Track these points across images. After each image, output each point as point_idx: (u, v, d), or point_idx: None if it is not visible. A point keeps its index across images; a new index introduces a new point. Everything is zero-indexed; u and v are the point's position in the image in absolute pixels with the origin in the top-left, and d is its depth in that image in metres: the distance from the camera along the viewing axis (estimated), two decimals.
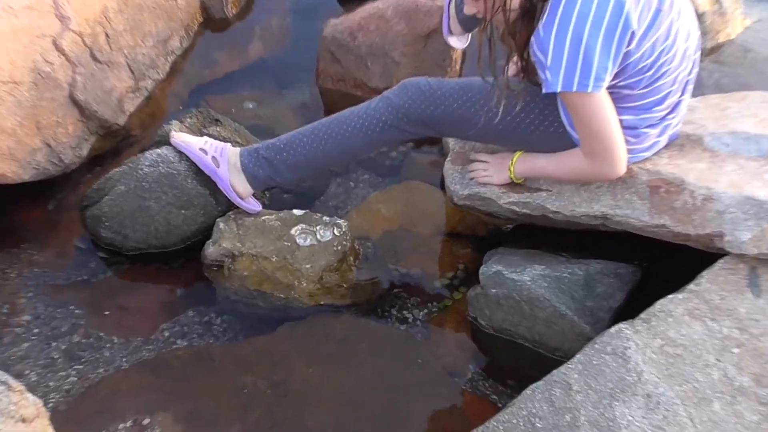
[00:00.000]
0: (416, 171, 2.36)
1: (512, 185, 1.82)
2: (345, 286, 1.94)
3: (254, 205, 2.00)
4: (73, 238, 2.04)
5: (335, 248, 1.93)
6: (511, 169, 1.76)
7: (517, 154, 1.76)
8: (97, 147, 2.22)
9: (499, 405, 1.72)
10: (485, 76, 1.65)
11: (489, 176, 1.82)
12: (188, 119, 2.13)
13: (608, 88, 1.46)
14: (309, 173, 2.02)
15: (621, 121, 1.53)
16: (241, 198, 1.96)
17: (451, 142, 2.04)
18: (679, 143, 1.69)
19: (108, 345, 1.81)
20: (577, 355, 1.47)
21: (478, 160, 1.87)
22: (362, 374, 1.77)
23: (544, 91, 1.45)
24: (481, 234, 2.14)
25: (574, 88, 1.41)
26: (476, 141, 1.90)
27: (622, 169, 1.55)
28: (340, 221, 1.99)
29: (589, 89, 1.40)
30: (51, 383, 1.70)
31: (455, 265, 2.06)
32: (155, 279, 1.97)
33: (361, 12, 2.51)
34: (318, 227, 1.95)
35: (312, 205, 2.23)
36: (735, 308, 1.45)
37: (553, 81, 1.41)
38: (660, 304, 1.50)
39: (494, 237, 2.12)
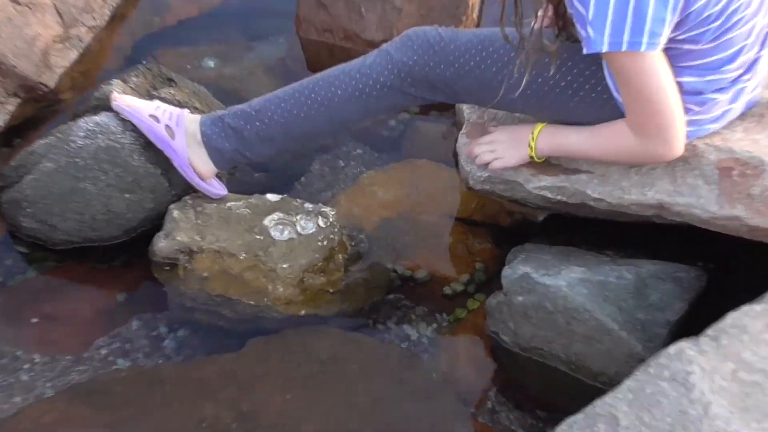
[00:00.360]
0: (422, 145, 2.36)
1: (541, 165, 1.81)
2: (332, 291, 1.94)
3: (218, 188, 1.99)
4: None
5: (320, 243, 1.93)
6: (533, 146, 1.74)
7: (540, 125, 1.74)
8: (17, 113, 2.21)
9: None
10: (509, 30, 1.63)
11: (500, 157, 1.81)
12: (134, 78, 2.12)
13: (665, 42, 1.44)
14: (288, 147, 2.00)
15: (681, 84, 1.52)
16: (202, 178, 1.96)
17: (467, 110, 2.04)
18: (757, 112, 1.68)
19: (27, 366, 1.79)
20: (627, 382, 1.46)
21: (482, 142, 1.86)
22: (353, 403, 1.77)
23: (585, 51, 1.44)
24: (504, 223, 2.15)
25: (624, 47, 1.39)
26: (498, 109, 1.89)
27: (679, 148, 1.54)
28: (326, 209, 1.99)
29: (643, 47, 1.39)
30: None
31: (471, 264, 2.07)
32: (91, 281, 1.96)
33: None
34: (298, 216, 1.95)
35: (291, 188, 2.23)
36: None
37: (597, 39, 1.40)
38: (732, 318, 1.48)
39: (520, 228, 2.13)
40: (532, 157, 1.77)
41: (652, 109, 1.48)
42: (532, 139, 1.74)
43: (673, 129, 1.51)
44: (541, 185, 1.81)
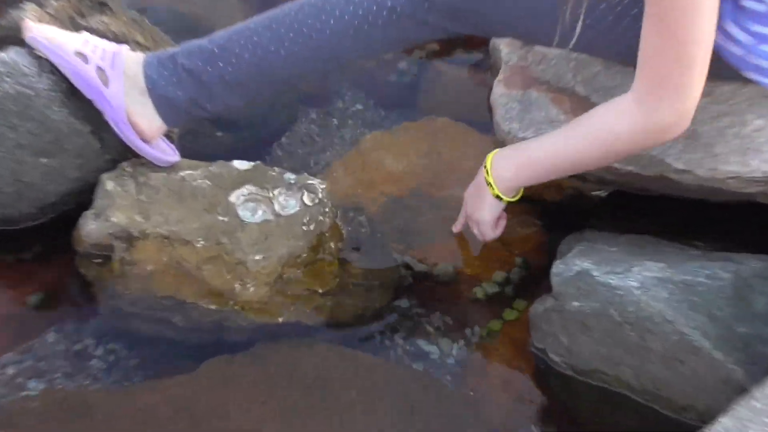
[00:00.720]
0: (443, 97, 2.39)
1: None
2: (321, 291, 1.93)
3: (167, 152, 1.98)
4: None
5: (305, 227, 1.91)
6: (491, 181, 1.80)
7: (490, 154, 1.81)
8: None
9: None
10: None
11: (478, 223, 1.91)
12: (53, 1, 2.07)
13: None
14: (262, 96, 2.01)
15: None
16: (145, 139, 1.92)
17: (505, 49, 2.08)
18: None
19: None
20: (722, 419, 1.43)
21: (461, 219, 2.01)
22: None
23: None
24: (553, 200, 2.16)
25: None
26: (545, 45, 1.89)
27: (688, 122, 1.58)
28: (315, 181, 1.98)
29: None
30: None
31: (509, 256, 2.07)
32: None
33: None
34: (276, 191, 1.94)
35: (267, 153, 2.26)
36: None
37: None
38: None
39: (575, 208, 2.15)
40: (499, 197, 1.83)
41: (686, 62, 1.50)
42: (487, 173, 1.80)
43: (694, 92, 1.53)
44: None
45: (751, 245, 1.79)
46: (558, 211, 2.15)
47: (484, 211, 1.86)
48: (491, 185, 1.80)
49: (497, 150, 1.82)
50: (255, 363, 1.85)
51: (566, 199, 2.17)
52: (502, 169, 1.79)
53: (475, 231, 1.93)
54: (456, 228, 2.00)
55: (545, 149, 1.74)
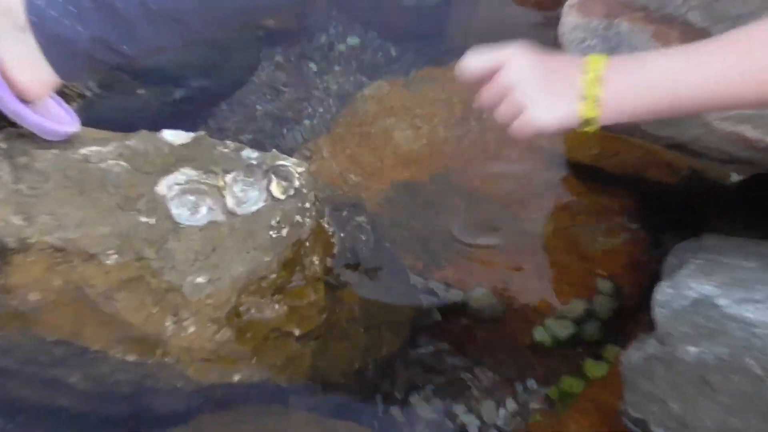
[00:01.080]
0: (484, 28, 2.46)
1: None
2: (299, 333, 1.84)
3: (60, 119, 1.87)
4: None
5: (274, 232, 1.80)
6: (591, 94, 1.64)
7: (597, 58, 1.66)
8: None
9: None
10: None
11: (526, 108, 1.70)
12: None
13: None
14: (205, 33, 1.89)
15: None
16: (25, 97, 1.81)
17: None
18: None
19: None
20: None
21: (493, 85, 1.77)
22: None
23: None
24: (658, 184, 2.18)
25: None
26: None
27: None
28: (288, 162, 1.89)
29: None
30: None
31: (588, 276, 2.06)
32: None
33: None
34: (229, 177, 1.84)
35: (214, 119, 2.34)
36: None
37: None
38: None
39: (691, 199, 2.15)
40: (586, 120, 1.66)
41: None
42: (588, 81, 1.64)
43: None
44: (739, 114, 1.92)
45: None
46: (664, 203, 2.15)
47: (549, 113, 1.66)
48: (590, 98, 1.62)
49: (607, 57, 1.64)
50: None
51: (678, 182, 2.17)
52: (618, 86, 1.62)
53: (501, 112, 1.70)
54: (482, 98, 1.76)
55: (678, 72, 1.58)
